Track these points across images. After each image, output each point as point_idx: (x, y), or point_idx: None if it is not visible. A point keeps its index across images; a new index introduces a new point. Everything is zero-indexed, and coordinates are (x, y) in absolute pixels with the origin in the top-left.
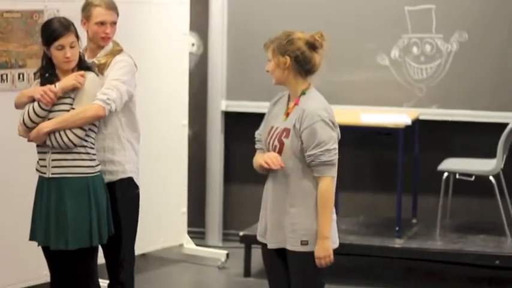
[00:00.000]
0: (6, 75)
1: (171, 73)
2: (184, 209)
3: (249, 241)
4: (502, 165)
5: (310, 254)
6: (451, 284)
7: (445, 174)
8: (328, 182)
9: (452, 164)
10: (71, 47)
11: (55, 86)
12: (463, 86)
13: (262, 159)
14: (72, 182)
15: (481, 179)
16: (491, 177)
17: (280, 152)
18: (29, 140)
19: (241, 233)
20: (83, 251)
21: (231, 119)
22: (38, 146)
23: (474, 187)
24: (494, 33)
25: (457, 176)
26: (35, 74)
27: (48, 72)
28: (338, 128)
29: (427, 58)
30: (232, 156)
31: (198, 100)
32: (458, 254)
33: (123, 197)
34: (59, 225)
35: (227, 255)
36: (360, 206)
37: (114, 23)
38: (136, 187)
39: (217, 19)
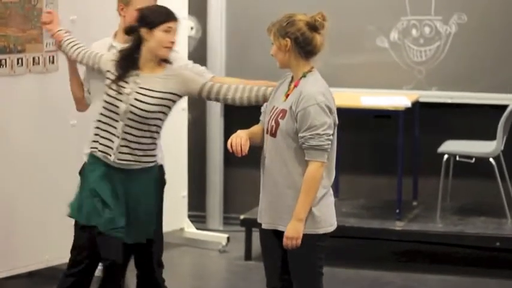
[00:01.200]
0: (5, 60)
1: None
2: (185, 193)
3: (250, 225)
4: (502, 147)
5: (305, 236)
6: (451, 266)
7: (445, 156)
8: (315, 166)
9: (452, 146)
10: (175, 35)
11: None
12: (463, 68)
13: (230, 139)
14: (143, 174)
15: (481, 161)
16: (491, 159)
17: (275, 133)
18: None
19: (241, 217)
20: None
21: None
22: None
23: (474, 169)
24: (492, 15)
25: (457, 158)
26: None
27: (133, 55)
28: (335, 114)
29: (426, 40)
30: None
31: None
32: (459, 236)
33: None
34: (141, 217)
35: (228, 238)
36: (360, 188)
37: None
38: (164, 175)
39: (215, 2)
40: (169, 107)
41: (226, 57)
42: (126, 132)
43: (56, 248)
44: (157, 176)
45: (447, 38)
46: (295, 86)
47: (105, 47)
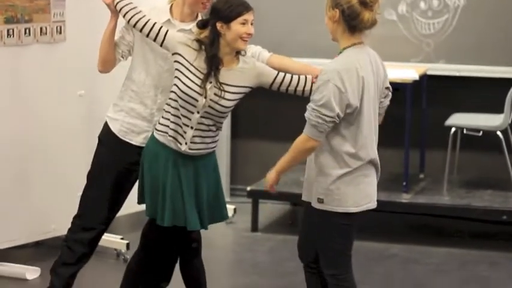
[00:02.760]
0: (13, 30)
1: None
2: None
3: (257, 196)
4: (510, 121)
5: (324, 213)
6: (457, 239)
7: (453, 129)
8: (302, 138)
9: (459, 119)
10: (252, 23)
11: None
12: (471, 41)
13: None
14: (208, 159)
15: (489, 134)
16: (498, 133)
17: None
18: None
19: (248, 188)
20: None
21: None
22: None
23: (482, 142)
24: None
25: (465, 131)
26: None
27: (212, 53)
28: (350, 95)
29: (435, 13)
30: (239, 112)
31: None
32: (466, 209)
33: None
34: (211, 202)
35: (234, 210)
36: None
37: None
38: None
39: None
40: (241, 98)
41: None
42: (200, 123)
43: (63, 218)
44: (216, 157)
45: (455, 11)
46: None
47: (160, 18)
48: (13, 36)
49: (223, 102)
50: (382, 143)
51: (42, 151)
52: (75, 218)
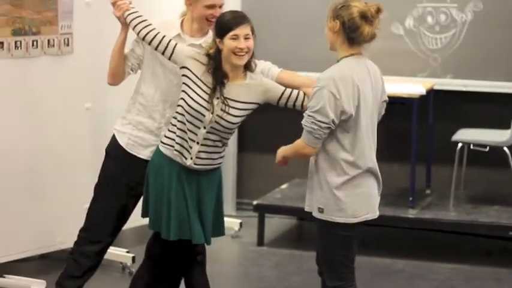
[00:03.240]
0: (20, 42)
1: None
2: None
3: (263, 210)
4: None
5: (325, 223)
6: (464, 255)
7: (459, 144)
8: (300, 143)
9: (466, 135)
10: (246, 39)
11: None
12: (478, 56)
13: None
14: (213, 174)
15: (495, 150)
16: (505, 148)
17: None
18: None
19: (254, 202)
20: None
21: None
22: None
23: (488, 158)
24: (508, 3)
25: (471, 147)
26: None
27: (215, 68)
28: (344, 102)
29: (442, 28)
30: (245, 126)
31: None
32: (472, 225)
33: None
34: (211, 215)
35: (240, 224)
36: None
37: (222, 6)
38: None
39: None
40: (249, 114)
41: None
42: (206, 139)
43: (68, 231)
44: (221, 175)
45: (463, 26)
46: None
47: (171, 33)
48: (21, 48)
49: (229, 118)
50: (388, 158)
51: (49, 163)
52: (81, 230)
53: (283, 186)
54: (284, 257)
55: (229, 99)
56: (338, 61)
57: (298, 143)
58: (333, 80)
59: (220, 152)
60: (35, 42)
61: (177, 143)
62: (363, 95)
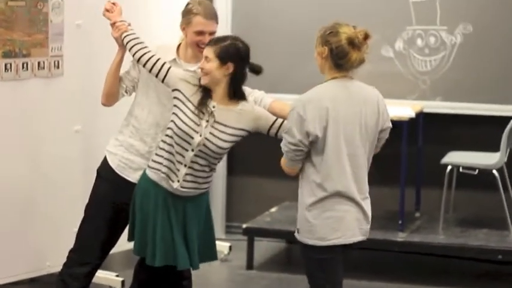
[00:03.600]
0: (11, 64)
1: None
2: None
3: (252, 233)
4: (506, 159)
5: (301, 244)
6: (453, 278)
7: (449, 167)
8: (282, 161)
9: (455, 157)
10: (205, 60)
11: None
12: (467, 78)
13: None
14: (200, 199)
15: (485, 173)
16: (494, 171)
17: None
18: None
19: (244, 226)
20: None
21: None
22: (171, 157)
23: (477, 181)
24: (498, 26)
25: (461, 170)
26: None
27: (203, 88)
28: (308, 126)
29: (432, 50)
30: (235, 149)
31: None
32: (461, 248)
33: None
34: (201, 242)
35: (230, 247)
36: None
37: (212, 33)
38: None
39: (221, 7)
40: (238, 141)
41: None
42: (194, 162)
43: (57, 255)
44: (208, 201)
45: (452, 48)
46: None
47: (167, 57)
48: (11, 70)
49: (218, 142)
50: (377, 180)
51: (38, 186)
52: (70, 252)
53: (273, 209)
54: (273, 280)
55: (218, 123)
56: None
57: (282, 161)
58: (302, 102)
59: (206, 177)
60: (25, 65)
61: (164, 165)
62: (332, 116)
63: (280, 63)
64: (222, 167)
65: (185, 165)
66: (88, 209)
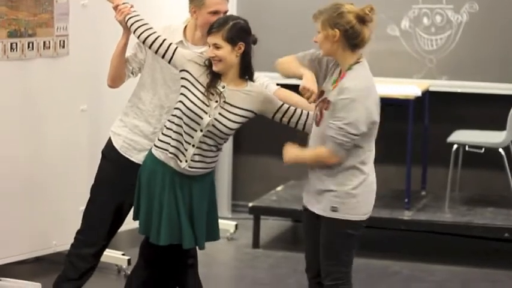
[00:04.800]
0: (16, 44)
1: None
2: None
3: (258, 212)
4: None
5: (338, 222)
6: (459, 257)
7: (455, 146)
8: (326, 153)
9: (462, 136)
10: (215, 47)
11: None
12: (473, 57)
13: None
14: (202, 177)
15: (491, 151)
16: (500, 150)
17: (319, 122)
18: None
19: (250, 204)
20: None
21: None
22: (177, 137)
23: (484, 159)
24: (504, 4)
25: (467, 148)
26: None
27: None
28: (373, 116)
29: (438, 29)
30: (241, 128)
31: None
32: (467, 227)
33: None
34: (204, 220)
35: (236, 226)
36: None
37: (226, 12)
38: None
39: None
40: (244, 123)
41: None
42: (202, 142)
43: (64, 234)
44: (214, 176)
45: (458, 27)
46: (342, 77)
47: (173, 38)
48: (16, 50)
49: (227, 122)
50: (383, 160)
51: (44, 165)
52: (77, 233)
53: (279, 188)
54: (279, 259)
55: (228, 103)
56: (350, 68)
57: (322, 152)
58: (362, 93)
59: (214, 157)
60: (30, 44)
61: (172, 146)
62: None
63: (287, 43)
64: (228, 145)
65: (193, 145)
66: (94, 190)
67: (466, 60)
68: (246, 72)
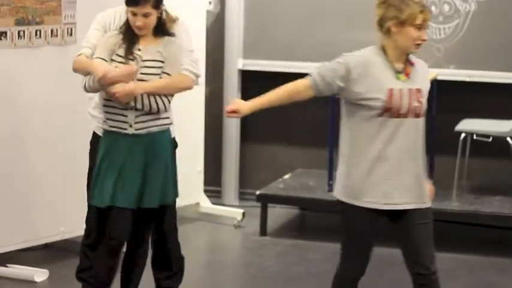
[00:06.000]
0: (24, 31)
1: None
2: (201, 167)
3: (265, 200)
4: None
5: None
6: (466, 245)
7: (463, 135)
8: None
9: (469, 125)
10: (144, 16)
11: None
12: (481, 46)
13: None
14: (157, 136)
15: (499, 140)
16: (508, 138)
17: (420, 113)
18: (113, 97)
19: (257, 192)
20: (162, 208)
21: (247, 77)
22: (109, 103)
23: (491, 148)
24: None
25: (475, 137)
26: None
27: (129, 30)
28: None
29: (446, 18)
30: (248, 116)
31: (215, 59)
32: (475, 215)
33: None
34: (152, 182)
35: (243, 214)
36: None
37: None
38: (175, 143)
39: None
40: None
41: (244, 32)
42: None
43: (72, 221)
44: (171, 138)
45: (466, 16)
46: (412, 64)
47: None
48: (24, 38)
49: (150, 78)
50: None
51: (52, 153)
52: (85, 223)
53: (286, 176)
54: (286, 247)
55: (146, 60)
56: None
57: None
58: None
59: (157, 113)
60: (38, 32)
61: (114, 120)
62: None
63: (294, 29)
64: (235, 134)
65: (131, 109)
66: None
67: (474, 49)
68: (160, 29)
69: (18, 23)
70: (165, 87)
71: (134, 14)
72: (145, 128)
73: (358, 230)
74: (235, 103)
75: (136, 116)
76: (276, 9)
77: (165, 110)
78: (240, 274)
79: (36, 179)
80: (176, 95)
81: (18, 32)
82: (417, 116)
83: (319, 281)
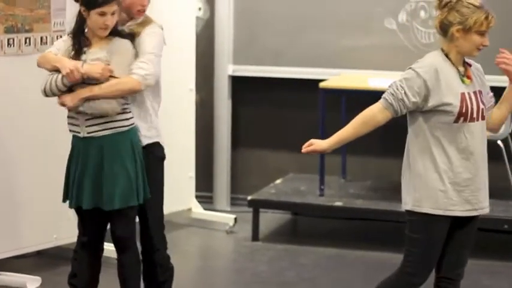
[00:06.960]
0: (13, 39)
1: (178, 38)
2: (192, 173)
3: (257, 205)
4: (510, 130)
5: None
6: None
7: None
8: None
9: None
10: (112, 15)
11: (82, 65)
12: None
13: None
14: (112, 138)
15: (490, 143)
16: (499, 142)
17: (485, 115)
18: (62, 104)
19: (249, 198)
20: (127, 210)
21: (238, 83)
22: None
23: None
24: None
25: None
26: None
27: (80, 33)
28: None
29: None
30: (239, 121)
31: (205, 65)
32: None
33: (151, 161)
34: (108, 184)
35: (235, 219)
36: (368, 170)
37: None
38: (162, 151)
39: None
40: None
41: (234, 38)
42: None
43: (64, 228)
44: (133, 140)
45: None
46: (470, 65)
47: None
48: (13, 45)
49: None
50: (383, 152)
51: (44, 160)
52: (78, 228)
53: (278, 181)
54: (278, 252)
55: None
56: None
57: None
58: None
59: (106, 117)
60: (27, 40)
61: (69, 123)
62: None
63: (282, 37)
64: (226, 139)
65: (80, 113)
66: None
67: None
68: (117, 30)
69: (7, 30)
70: (106, 90)
71: (103, 14)
72: (96, 131)
73: (438, 240)
74: (312, 143)
75: (86, 120)
76: (266, 15)
77: (116, 113)
78: (232, 280)
79: (28, 185)
80: (167, 101)
81: (8, 39)
82: (483, 118)
83: (311, 286)
